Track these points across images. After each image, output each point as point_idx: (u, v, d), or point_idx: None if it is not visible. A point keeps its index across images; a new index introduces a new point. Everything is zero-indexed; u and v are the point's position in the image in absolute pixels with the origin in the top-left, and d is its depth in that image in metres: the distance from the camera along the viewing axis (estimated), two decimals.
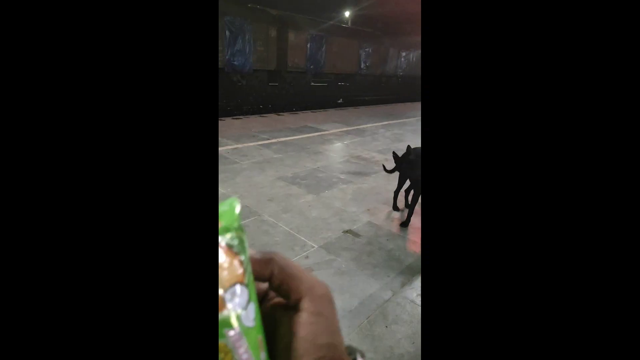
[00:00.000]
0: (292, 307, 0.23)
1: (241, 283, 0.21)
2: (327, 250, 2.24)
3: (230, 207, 0.23)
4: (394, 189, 2.88)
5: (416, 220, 2.62)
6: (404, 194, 2.90)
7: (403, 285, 1.92)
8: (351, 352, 0.25)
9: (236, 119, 7.34)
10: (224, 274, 0.20)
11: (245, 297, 0.21)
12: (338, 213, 2.80)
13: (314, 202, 3.00)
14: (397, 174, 2.78)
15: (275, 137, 5.39)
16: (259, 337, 0.22)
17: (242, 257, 0.21)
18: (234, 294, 0.20)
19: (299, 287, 0.23)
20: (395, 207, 2.90)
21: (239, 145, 4.76)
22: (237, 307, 0.20)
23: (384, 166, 2.98)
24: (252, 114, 8.74)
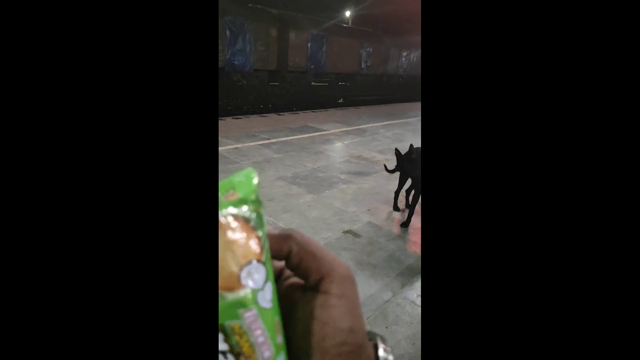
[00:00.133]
0: (311, 288, 0.22)
1: (258, 261, 0.19)
2: None
3: (247, 178, 0.21)
4: (395, 189, 2.87)
5: (417, 221, 2.62)
6: (404, 194, 2.90)
7: (403, 285, 1.92)
8: (371, 337, 0.24)
9: (236, 118, 7.34)
10: (239, 251, 0.19)
11: (263, 275, 0.19)
12: (338, 213, 2.79)
13: (313, 202, 3.00)
14: (397, 174, 2.78)
15: (276, 137, 5.39)
16: (276, 319, 0.20)
17: (260, 233, 0.20)
18: (250, 272, 0.19)
19: (319, 266, 0.21)
20: (396, 208, 2.90)
21: (239, 145, 4.76)
22: (253, 287, 0.19)
23: (385, 166, 2.97)
24: (253, 113, 8.74)
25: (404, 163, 2.61)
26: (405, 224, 2.62)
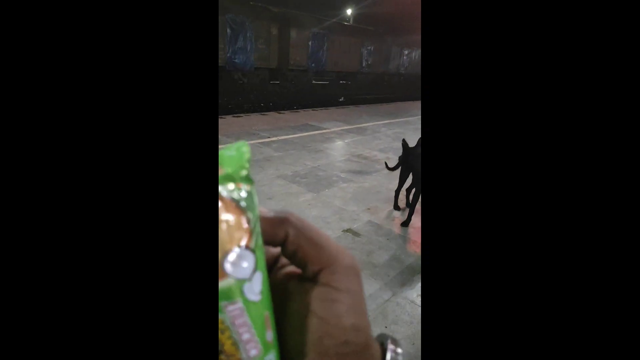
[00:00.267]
0: (309, 279, 0.19)
1: (246, 247, 0.17)
2: None
3: (238, 152, 0.18)
4: (395, 188, 2.87)
5: (417, 220, 2.62)
6: (405, 193, 2.90)
7: (403, 285, 1.92)
8: (382, 339, 0.21)
9: (237, 117, 7.34)
10: (223, 235, 0.16)
11: (251, 264, 0.17)
12: (338, 212, 2.80)
13: (313, 200, 3.00)
14: (398, 172, 2.77)
15: (276, 136, 5.39)
16: (266, 314, 0.18)
17: (250, 216, 0.17)
18: (235, 260, 0.17)
19: (319, 255, 0.19)
20: (396, 206, 2.90)
21: None
22: (239, 277, 0.17)
23: (386, 164, 2.97)
24: (253, 112, 8.73)
25: (409, 156, 2.59)
26: (405, 223, 2.62)
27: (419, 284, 1.91)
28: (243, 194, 0.17)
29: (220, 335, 0.17)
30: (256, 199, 0.18)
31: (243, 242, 0.17)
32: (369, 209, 2.89)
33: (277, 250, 0.20)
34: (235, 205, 0.17)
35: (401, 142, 2.66)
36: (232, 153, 0.18)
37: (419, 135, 2.96)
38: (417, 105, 10.85)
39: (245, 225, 0.17)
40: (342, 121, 7.14)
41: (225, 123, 6.24)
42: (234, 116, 7.41)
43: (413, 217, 2.60)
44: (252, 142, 4.92)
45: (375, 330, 0.19)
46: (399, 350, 0.21)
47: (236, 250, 0.17)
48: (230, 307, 0.16)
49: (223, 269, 0.16)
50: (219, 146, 0.20)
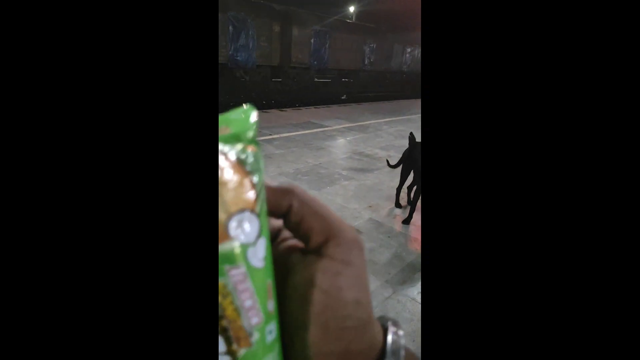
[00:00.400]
0: (312, 252, 0.19)
1: (251, 210, 0.16)
2: None
3: (245, 115, 0.18)
4: (397, 186, 2.87)
5: (418, 218, 2.62)
6: (406, 190, 2.90)
7: (404, 282, 1.93)
8: (382, 322, 0.21)
9: None
10: (229, 196, 0.16)
11: (256, 228, 0.16)
12: (339, 210, 2.80)
13: None
14: (399, 170, 2.77)
15: (278, 133, 5.38)
16: (268, 282, 0.17)
17: (255, 179, 0.16)
18: (240, 223, 0.16)
19: (323, 227, 0.18)
20: (398, 204, 2.90)
21: None
22: (243, 240, 0.16)
23: (387, 161, 2.96)
24: (255, 109, 8.70)
25: (413, 150, 2.58)
26: (406, 221, 2.62)
27: (420, 282, 1.91)
28: (250, 157, 0.17)
29: (222, 300, 0.16)
30: (262, 164, 0.17)
31: (249, 206, 0.16)
32: (370, 206, 2.89)
33: (278, 223, 0.20)
34: (242, 167, 0.16)
35: (408, 135, 2.64)
36: (239, 116, 0.18)
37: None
38: (419, 104, 10.77)
39: (250, 188, 0.16)
40: (344, 119, 7.13)
41: None
42: None
43: (414, 215, 2.60)
44: None
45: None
46: (400, 332, 0.20)
47: (242, 213, 0.16)
48: (234, 272, 0.16)
49: (227, 231, 0.15)
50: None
